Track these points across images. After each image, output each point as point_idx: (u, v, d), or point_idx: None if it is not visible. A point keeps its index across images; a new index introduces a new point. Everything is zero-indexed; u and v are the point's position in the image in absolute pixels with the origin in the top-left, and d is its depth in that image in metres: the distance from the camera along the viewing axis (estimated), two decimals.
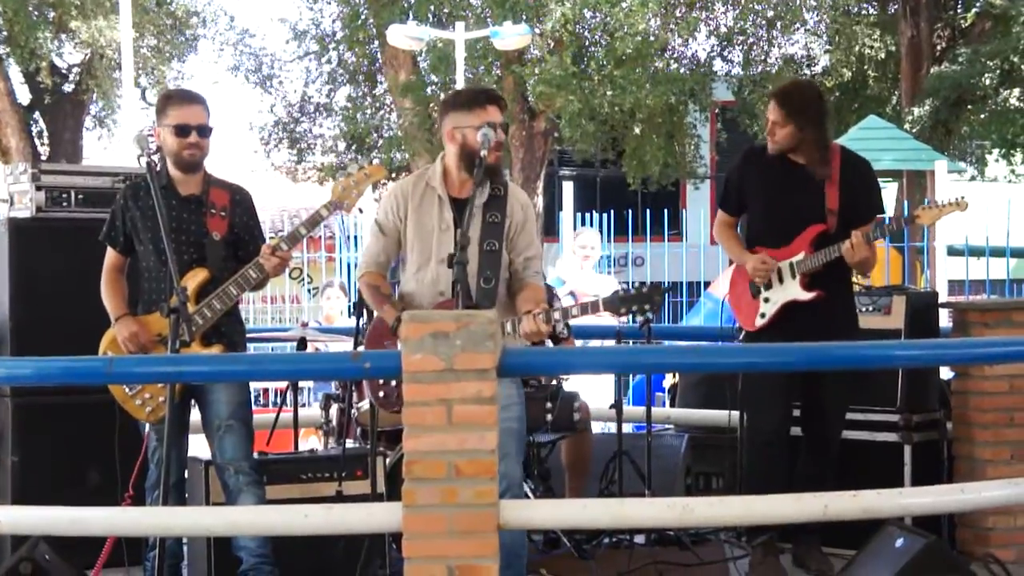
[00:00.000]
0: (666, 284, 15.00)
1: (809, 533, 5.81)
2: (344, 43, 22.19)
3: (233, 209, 5.40)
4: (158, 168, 5.22)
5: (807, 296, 5.69)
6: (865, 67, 23.28)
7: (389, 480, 5.62)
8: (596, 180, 26.09)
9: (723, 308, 6.20)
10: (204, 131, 5.33)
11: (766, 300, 5.79)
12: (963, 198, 5.72)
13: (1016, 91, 20.81)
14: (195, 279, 5.25)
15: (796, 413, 5.90)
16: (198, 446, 5.53)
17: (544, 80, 18.67)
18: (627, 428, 6.75)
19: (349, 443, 6.08)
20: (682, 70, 20.58)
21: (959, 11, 22.30)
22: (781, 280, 5.75)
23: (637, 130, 20.48)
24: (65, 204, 6.06)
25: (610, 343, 7.45)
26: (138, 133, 5.26)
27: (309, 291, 16.28)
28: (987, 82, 19.38)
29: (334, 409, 6.54)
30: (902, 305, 6.13)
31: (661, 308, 4.98)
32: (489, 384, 4.16)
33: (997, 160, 24.37)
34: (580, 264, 9.49)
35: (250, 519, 4.85)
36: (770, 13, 21.07)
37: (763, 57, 21.68)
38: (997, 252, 13.16)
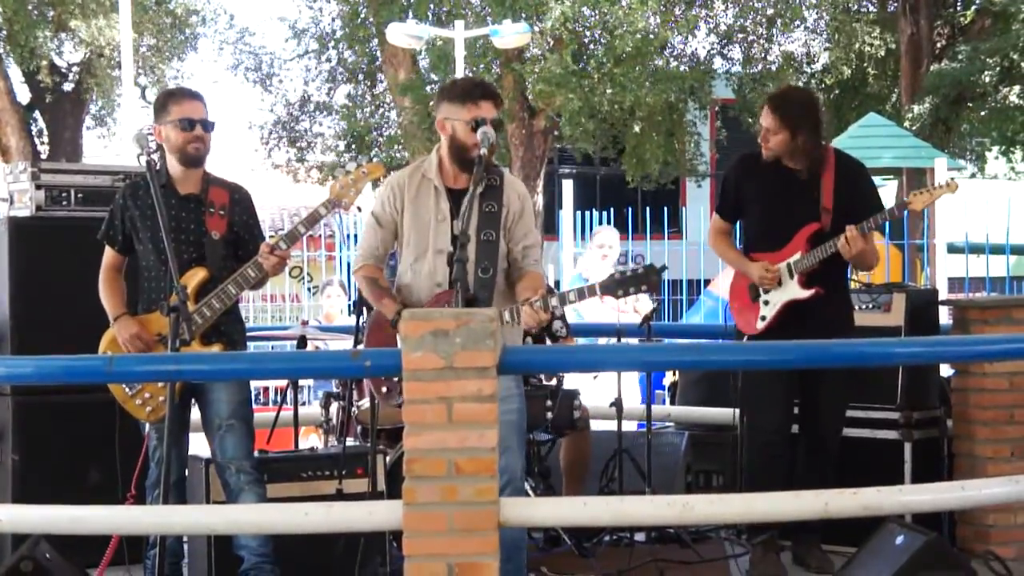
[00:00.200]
0: (666, 282, 15.01)
1: (809, 531, 5.81)
2: (344, 41, 22.19)
3: (232, 208, 5.40)
4: (158, 167, 5.22)
5: (806, 294, 5.70)
6: (865, 65, 23.28)
7: (389, 478, 5.62)
8: (596, 178, 26.10)
9: (723, 306, 6.20)
10: (208, 125, 5.34)
11: (765, 303, 5.80)
12: (953, 180, 5.72)
13: (1016, 88, 20.81)
14: (194, 278, 5.25)
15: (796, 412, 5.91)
16: (198, 445, 5.53)
17: (544, 78, 18.66)
18: (627, 426, 6.75)
19: (349, 441, 6.08)
20: (682, 68, 20.58)
21: (959, 8, 22.30)
22: (779, 281, 5.76)
23: (637, 128, 20.47)
24: (65, 203, 6.06)
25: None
26: (138, 132, 5.25)
27: (309, 290, 16.27)
28: (987, 79, 19.39)
29: (334, 407, 6.54)
30: (902, 302, 6.13)
31: (659, 288, 4.93)
32: (489, 382, 4.16)
33: (997, 157, 24.38)
34: (599, 262, 9.44)
35: (251, 518, 4.85)
36: (770, 11, 21.07)
37: (763, 55, 21.67)
38: (997, 249, 13.16)
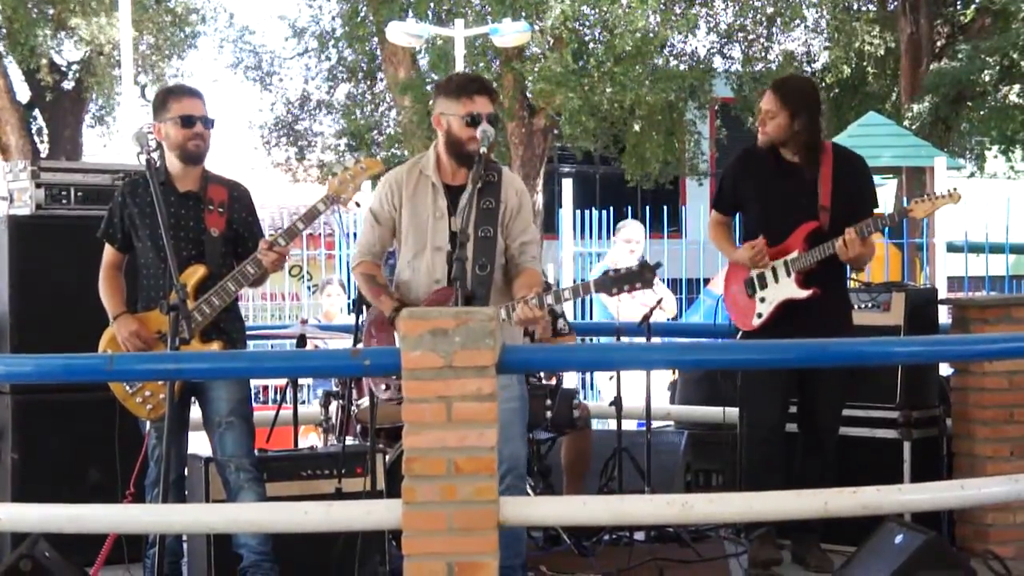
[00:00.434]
0: (666, 281, 15.00)
1: (809, 530, 5.81)
2: (344, 40, 22.18)
3: (231, 206, 5.40)
4: (157, 165, 5.22)
5: (803, 294, 5.70)
6: (865, 63, 23.27)
7: (389, 477, 5.62)
8: (596, 177, 26.09)
9: (721, 305, 6.19)
10: (208, 122, 5.34)
11: (762, 300, 5.80)
12: (956, 190, 5.72)
13: (1016, 87, 20.81)
14: (194, 276, 5.25)
15: (794, 411, 5.92)
16: (198, 443, 5.53)
17: (544, 77, 18.66)
18: (627, 425, 6.75)
19: (349, 440, 6.08)
20: (682, 67, 20.58)
21: (959, 7, 22.29)
22: (776, 279, 5.77)
23: (637, 127, 20.47)
24: (65, 201, 6.06)
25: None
26: (137, 130, 5.25)
27: (309, 288, 16.26)
28: (987, 78, 19.38)
29: (334, 406, 6.54)
30: (901, 301, 6.13)
31: (653, 285, 4.93)
32: (489, 381, 4.17)
33: (996, 156, 24.37)
34: (627, 256, 9.39)
35: (250, 516, 4.85)
36: (770, 10, 21.06)
37: (763, 54, 21.66)
38: (996, 248, 13.15)
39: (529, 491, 6.07)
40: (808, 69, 23.41)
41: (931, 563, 4.85)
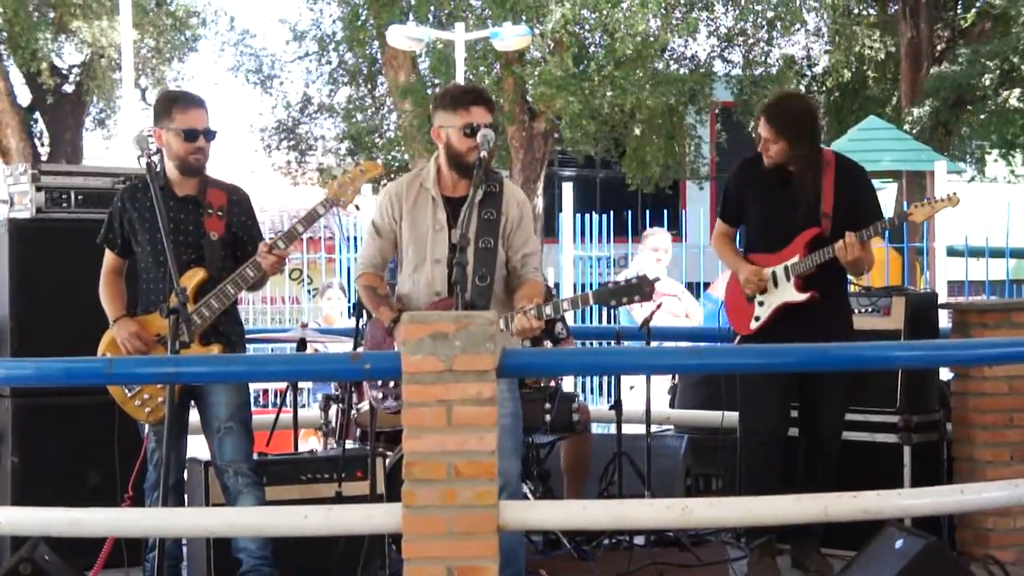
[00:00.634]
0: None
1: (809, 535, 5.81)
2: (344, 44, 22.20)
3: (231, 209, 5.40)
4: (158, 168, 5.22)
5: (801, 298, 5.71)
6: (865, 68, 23.30)
7: (389, 481, 5.62)
8: (596, 181, 26.10)
9: (722, 309, 6.20)
10: (210, 135, 5.33)
11: (760, 304, 5.81)
12: (955, 194, 5.72)
13: (1016, 91, 20.83)
14: (193, 279, 5.25)
15: (795, 415, 5.92)
16: (197, 447, 5.53)
17: (544, 81, 18.67)
18: (627, 429, 6.75)
19: (349, 444, 6.08)
20: (682, 71, 20.59)
21: (959, 12, 22.32)
22: (776, 283, 5.77)
23: (637, 131, 20.48)
24: (65, 205, 6.06)
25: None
26: (138, 134, 5.25)
27: (309, 292, 16.27)
28: (987, 82, 19.40)
29: (333, 410, 6.54)
30: (901, 306, 6.13)
31: (651, 298, 4.94)
32: (489, 385, 4.16)
33: (996, 160, 24.38)
34: (653, 265, 9.38)
35: (250, 520, 4.85)
36: (770, 14, 21.06)
37: (763, 58, 21.68)
38: (997, 253, 13.15)
39: (529, 495, 6.07)
40: (808, 73, 23.44)
41: (931, 568, 4.85)
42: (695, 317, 9.41)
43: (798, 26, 21.78)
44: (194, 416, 5.41)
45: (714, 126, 24.54)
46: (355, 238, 15.01)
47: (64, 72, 22.47)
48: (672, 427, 7.60)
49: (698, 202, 21.68)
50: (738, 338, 5.94)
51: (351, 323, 6.90)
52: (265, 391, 12.71)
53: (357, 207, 5.60)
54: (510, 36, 17.51)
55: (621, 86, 18.82)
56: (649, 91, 19.17)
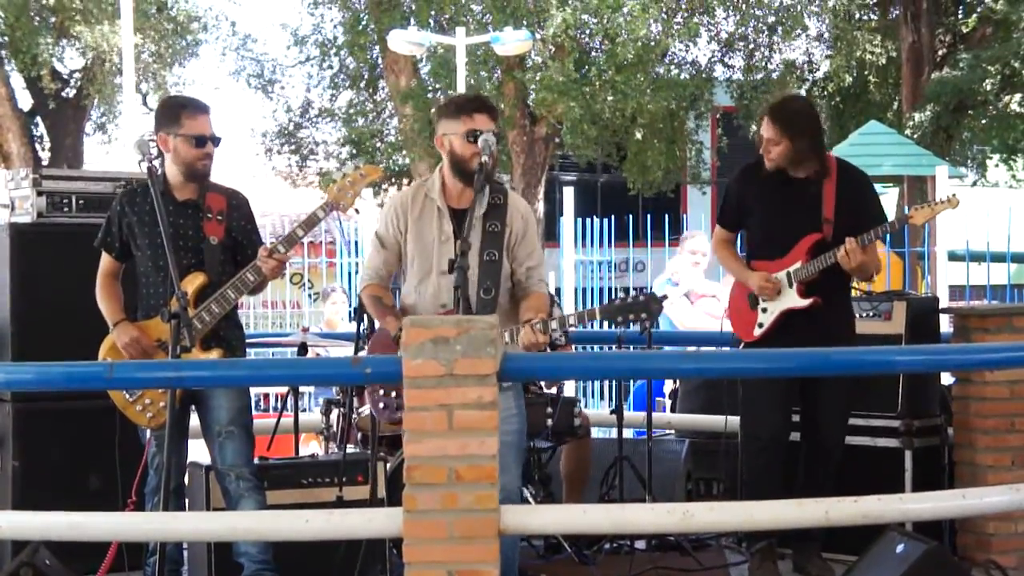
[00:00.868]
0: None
1: (810, 539, 5.81)
2: (345, 48, 22.19)
3: (230, 214, 5.40)
4: (159, 172, 5.22)
5: (804, 303, 5.71)
6: (866, 72, 23.29)
7: (390, 485, 5.62)
8: (597, 185, 26.10)
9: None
10: (216, 141, 5.35)
11: (763, 310, 5.81)
12: (954, 195, 5.73)
13: (1017, 96, 20.83)
14: (193, 283, 5.25)
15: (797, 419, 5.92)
16: (199, 451, 5.53)
17: (545, 86, 18.67)
18: (628, 433, 6.75)
19: (350, 448, 6.08)
20: (683, 76, 20.60)
21: (960, 16, 22.31)
22: (779, 289, 5.77)
23: (639, 135, 20.48)
24: (66, 209, 6.07)
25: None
26: (139, 138, 5.25)
27: (310, 296, 16.27)
28: (988, 87, 19.39)
29: (335, 414, 6.53)
30: (903, 310, 6.12)
31: (658, 317, 4.99)
32: (490, 389, 4.16)
33: (998, 165, 24.36)
34: (690, 268, 9.36)
35: (251, 524, 4.84)
36: (771, 19, 21.08)
37: (764, 63, 21.68)
38: (998, 257, 13.16)
39: (530, 500, 6.07)
40: (809, 78, 23.42)
41: (932, 573, 4.85)
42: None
43: (799, 31, 21.79)
44: (195, 420, 5.42)
45: (715, 131, 24.54)
46: (355, 242, 15.04)
47: (65, 77, 22.48)
48: (673, 431, 7.60)
49: (699, 207, 21.65)
50: (742, 345, 5.94)
51: (353, 327, 6.89)
52: (266, 395, 12.71)
53: (357, 211, 5.60)
54: (511, 41, 17.51)
55: (622, 91, 18.82)
56: (650, 96, 19.17)
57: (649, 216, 14.95)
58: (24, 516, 5.03)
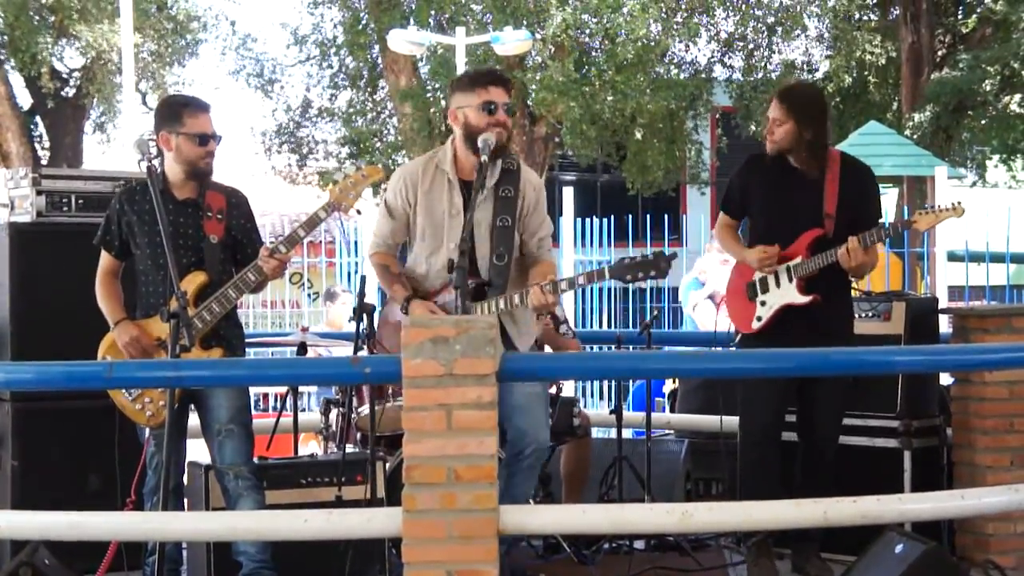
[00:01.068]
0: (667, 289, 15.00)
1: (808, 539, 5.81)
2: (345, 48, 22.19)
3: (230, 212, 5.40)
4: (158, 171, 5.23)
5: (803, 300, 5.71)
6: (866, 73, 23.28)
7: (389, 485, 5.62)
8: (596, 185, 26.10)
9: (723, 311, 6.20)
10: (218, 139, 5.36)
11: (762, 303, 5.81)
12: (959, 203, 5.72)
13: (1017, 97, 20.83)
14: (193, 282, 5.25)
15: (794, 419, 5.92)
16: (198, 450, 5.53)
17: (545, 86, 18.67)
18: (627, 434, 6.75)
19: (349, 448, 6.07)
20: (683, 76, 20.60)
21: (960, 17, 22.32)
22: (778, 284, 5.77)
23: (638, 135, 20.48)
24: (66, 208, 6.06)
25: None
26: (139, 137, 5.25)
27: (309, 296, 16.27)
28: (987, 88, 19.40)
29: (334, 414, 6.53)
30: (902, 311, 6.12)
31: (666, 274, 4.97)
32: (489, 389, 4.17)
33: (997, 166, 24.36)
34: (719, 267, 9.32)
35: (250, 524, 4.85)
36: (771, 19, 21.08)
37: (764, 63, 21.68)
38: (997, 258, 13.16)
39: (529, 499, 6.07)
40: (809, 78, 23.40)
41: (931, 573, 4.85)
42: None
43: (799, 31, 21.80)
44: (194, 419, 5.42)
45: (715, 131, 24.54)
46: (355, 242, 15.01)
47: (64, 76, 22.47)
48: (672, 431, 7.60)
49: (699, 207, 21.65)
50: (739, 336, 5.94)
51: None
52: (265, 395, 12.71)
53: (359, 211, 5.61)
54: (511, 41, 17.51)
55: (622, 91, 18.83)
56: (650, 96, 19.17)
57: (648, 216, 14.95)
58: (23, 515, 5.03)
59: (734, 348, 6.04)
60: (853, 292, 6.12)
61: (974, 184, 23.69)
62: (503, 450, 5.12)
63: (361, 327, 5.53)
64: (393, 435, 5.97)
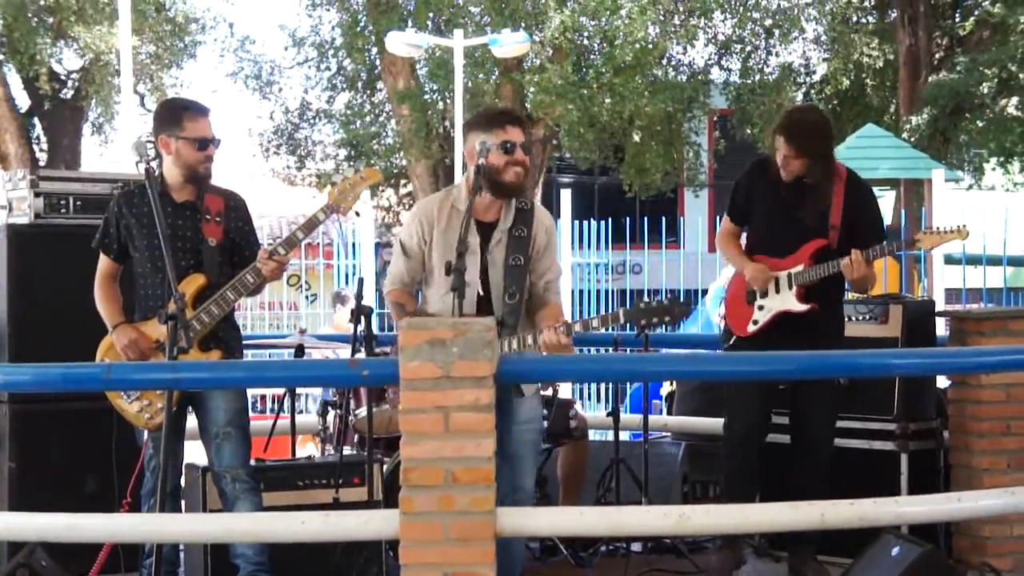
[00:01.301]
0: (663, 292, 14.99)
1: (805, 542, 5.82)
2: (343, 50, 22.20)
3: (228, 215, 5.40)
4: (156, 174, 5.23)
5: (801, 308, 5.73)
6: (863, 75, 23.31)
7: (386, 487, 5.62)
8: (594, 187, 26.12)
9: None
10: (217, 143, 5.36)
11: (760, 308, 5.82)
12: (964, 226, 5.79)
13: (1014, 100, 20.85)
14: (192, 285, 5.25)
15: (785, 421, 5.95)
16: (195, 452, 5.53)
17: (543, 88, 18.68)
18: (624, 436, 6.75)
19: (346, 450, 6.09)
20: (680, 78, 20.61)
21: (957, 20, 22.34)
22: (778, 290, 5.79)
23: (636, 138, 20.49)
24: (63, 210, 6.06)
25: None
26: (137, 140, 5.25)
27: (307, 298, 16.27)
28: (985, 91, 19.43)
29: (331, 416, 6.54)
30: (899, 314, 6.14)
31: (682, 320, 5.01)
32: (487, 392, 4.17)
33: (994, 169, 24.41)
34: None
35: (247, 526, 4.85)
36: (768, 21, 21.10)
37: (761, 66, 21.70)
38: (994, 261, 13.17)
39: None
40: (806, 81, 23.45)
41: (928, 575, 4.85)
42: None
43: (796, 34, 21.81)
44: (192, 422, 5.42)
45: (712, 133, 24.56)
46: (353, 244, 15.03)
47: (63, 77, 22.47)
48: (669, 434, 7.60)
49: (696, 209, 21.70)
50: (733, 338, 5.96)
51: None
52: (263, 397, 12.70)
53: (357, 213, 5.62)
54: (509, 43, 17.51)
55: (620, 93, 18.84)
56: (648, 98, 19.19)
57: (646, 218, 14.97)
58: (21, 517, 5.03)
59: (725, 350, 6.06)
60: (850, 296, 6.15)
61: (971, 187, 23.74)
62: None
63: (359, 330, 5.53)
64: (390, 437, 5.98)
